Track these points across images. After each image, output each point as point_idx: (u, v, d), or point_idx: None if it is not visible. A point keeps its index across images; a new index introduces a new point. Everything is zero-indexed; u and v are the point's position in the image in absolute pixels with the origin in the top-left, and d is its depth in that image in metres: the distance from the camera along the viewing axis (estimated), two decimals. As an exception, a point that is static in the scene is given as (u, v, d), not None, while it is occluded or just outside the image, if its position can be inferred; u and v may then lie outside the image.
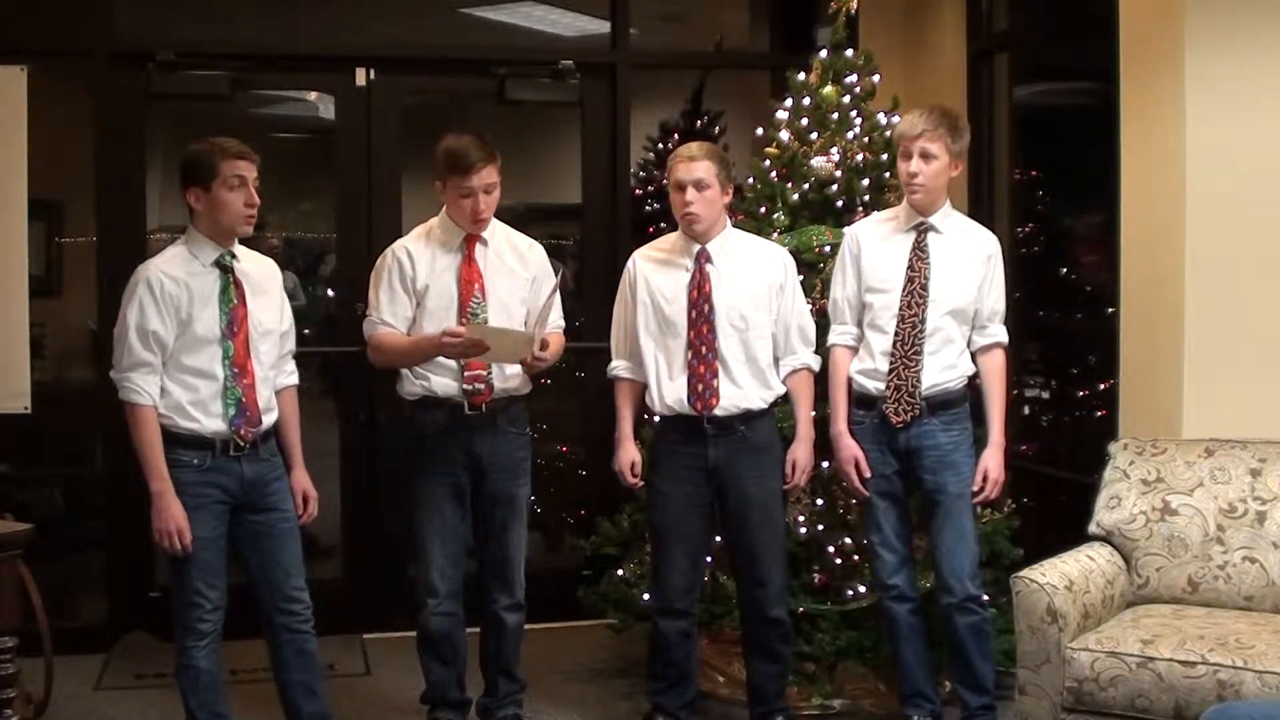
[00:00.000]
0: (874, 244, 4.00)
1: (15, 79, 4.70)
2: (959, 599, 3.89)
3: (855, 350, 4.01)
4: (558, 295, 3.91)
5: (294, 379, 3.84)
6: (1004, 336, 4.02)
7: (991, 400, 3.98)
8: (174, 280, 3.53)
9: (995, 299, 4.00)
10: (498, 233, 4.00)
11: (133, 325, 3.50)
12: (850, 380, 4.00)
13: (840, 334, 4.04)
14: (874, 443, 3.95)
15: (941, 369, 3.90)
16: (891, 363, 3.89)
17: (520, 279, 3.98)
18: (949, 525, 3.90)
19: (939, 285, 3.90)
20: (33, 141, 4.72)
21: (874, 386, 3.92)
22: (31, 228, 4.79)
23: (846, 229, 4.16)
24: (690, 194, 3.89)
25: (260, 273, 3.72)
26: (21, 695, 3.99)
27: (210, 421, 3.53)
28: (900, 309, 3.90)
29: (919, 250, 3.93)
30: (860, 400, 3.98)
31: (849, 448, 3.97)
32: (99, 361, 5.22)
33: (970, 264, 3.95)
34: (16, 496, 4.92)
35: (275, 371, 3.71)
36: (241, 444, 3.57)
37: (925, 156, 3.86)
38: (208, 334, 3.54)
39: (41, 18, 5.01)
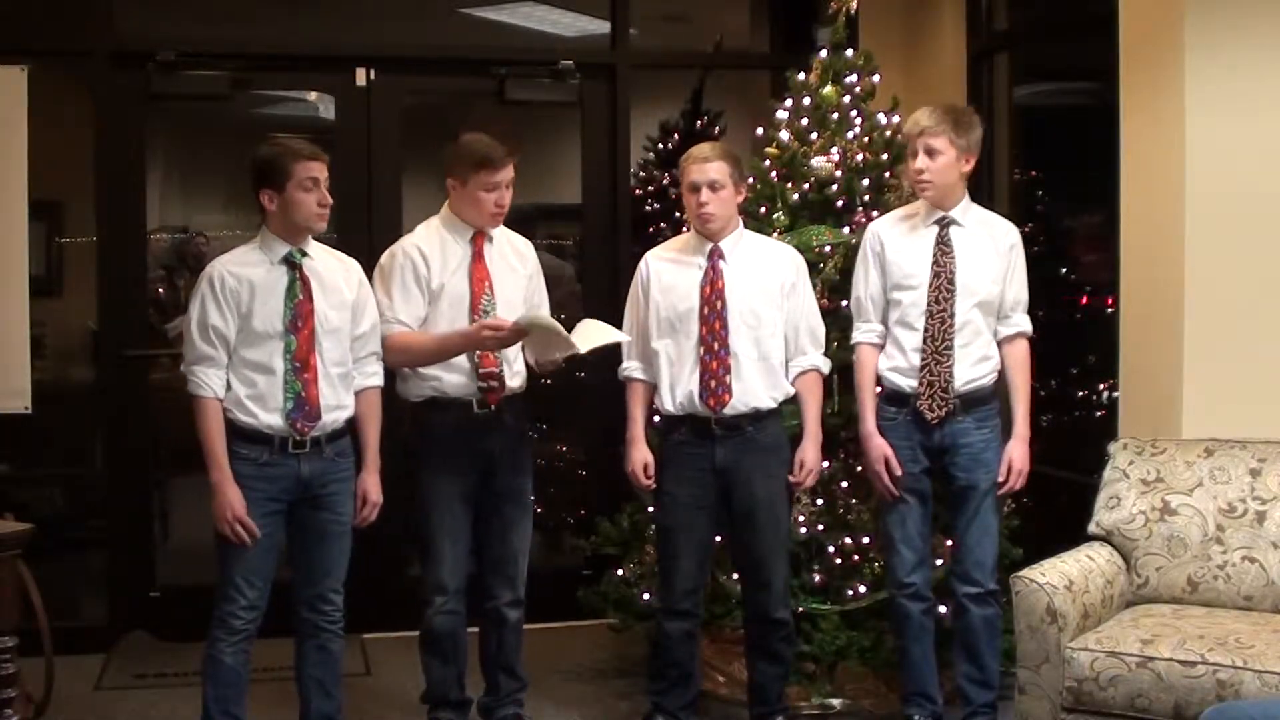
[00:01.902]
0: (897, 240, 3.99)
1: (15, 79, 4.70)
2: (979, 590, 3.89)
3: (880, 347, 4.00)
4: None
5: (376, 380, 3.81)
6: (1028, 326, 4.01)
7: (1016, 391, 3.97)
8: (235, 276, 3.57)
9: (1018, 289, 3.99)
10: (498, 231, 4.01)
11: (195, 320, 3.56)
12: (881, 378, 3.99)
13: (865, 332, 4.02)
14: (905, 440, 3.93)
15: (974, 362, 3.90)
16: (923, 359, 3.88)
17: (520, 276, 4.02)
18: (976, 519, 3.91)
19: (965, 278, 3.90)
20: (33, 141, 4.72)
21: (906, 384, 3.91)
22: (31, 228, 4.79)
23: (868, 226, 4.13)
24: (705, 195, 3.89)
25: (334, 271, 3.72)
26: (21, 695, 3.99)
27: (268, 416, 3.55)
28: (929, 304, 3.89)
29: (943, 244, 3.92)
30: (892, 397, 3.97)
31: (879, 447, 3.94)
32: (99, 361, 5.24)
33: (993, 255, 3.95)
34: (16, 496, 4.91)
35: (344, 370, 3.68)
36: (300, 440, 3.58)
37: (930, 153, 3.87)
38: (266, 328, 3.56)
39: (41, 18, 5.01)
